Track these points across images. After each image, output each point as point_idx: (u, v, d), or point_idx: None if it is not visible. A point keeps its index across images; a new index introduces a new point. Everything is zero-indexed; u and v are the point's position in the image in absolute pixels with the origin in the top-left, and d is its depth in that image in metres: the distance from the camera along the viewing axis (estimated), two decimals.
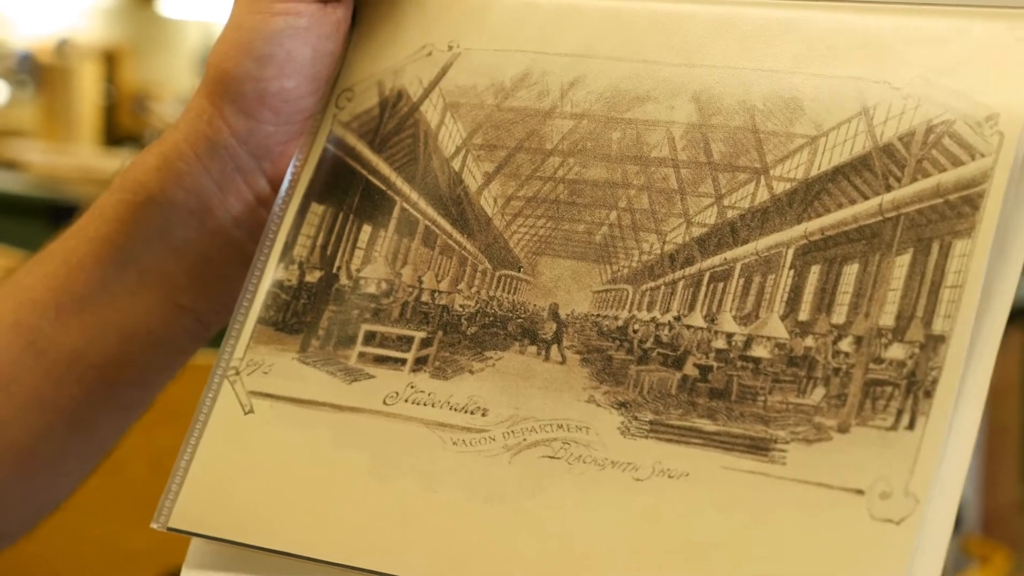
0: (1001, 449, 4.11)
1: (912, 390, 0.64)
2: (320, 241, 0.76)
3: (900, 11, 0.70)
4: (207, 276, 0.80)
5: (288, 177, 0.78)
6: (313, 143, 0.78)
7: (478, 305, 0.73)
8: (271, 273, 0.76)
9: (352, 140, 0.77)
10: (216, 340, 0.79)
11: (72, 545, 1.70)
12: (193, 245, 0.80)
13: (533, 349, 0.71)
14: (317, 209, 0.77)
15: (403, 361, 0.73)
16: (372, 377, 0.72)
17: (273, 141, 0.78)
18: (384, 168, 0.76)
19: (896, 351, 0.65)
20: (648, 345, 0.69)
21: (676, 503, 0.65)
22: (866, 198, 0.67)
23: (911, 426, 0.64)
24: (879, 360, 0.65)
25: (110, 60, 5.44)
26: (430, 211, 0.75)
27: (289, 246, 0.76)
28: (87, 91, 4.98)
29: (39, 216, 3.75)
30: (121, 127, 5.30)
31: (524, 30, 0.76)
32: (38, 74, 5.25)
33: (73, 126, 4.88)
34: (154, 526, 0.73)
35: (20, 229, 3.32)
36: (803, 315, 0.67)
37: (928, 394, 0.64)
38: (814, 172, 0.69)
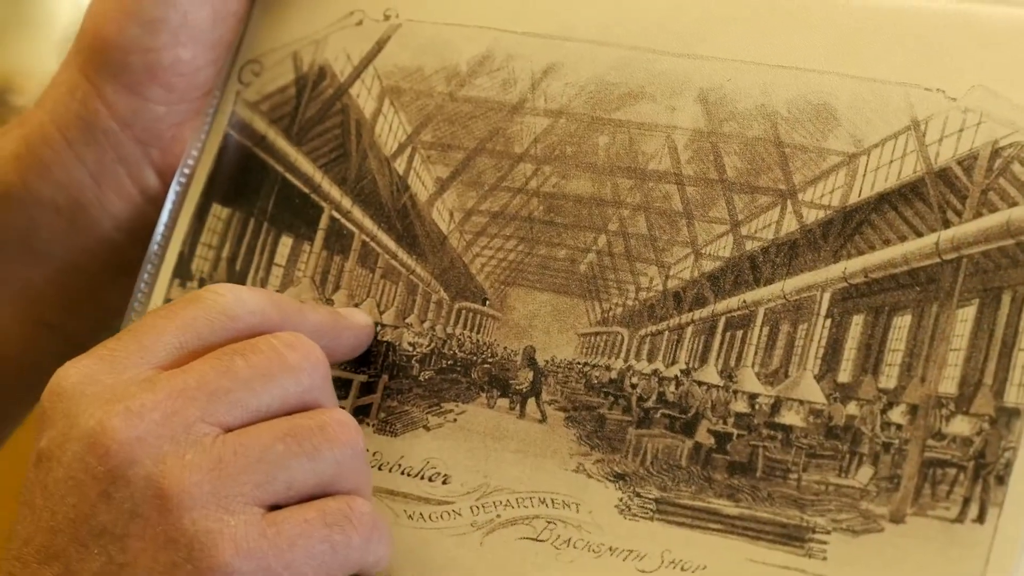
0: None
1: (981, 474, 0.58)
2: (226, 253, 0.69)
3: None
4: (78, 288, 0.72)
5: (182, 169, 0.69)
6: (212, 126, 0.70)
7: (432, 344, 0.66)
8: (163, 291, 0.68)
9: (262, 125, 0.69)
10: None
11: None
12: (61, 250, 0.71)
13: (504, 402, 0.65)
14: (220, 212, 0.69)
15: None
16: None
17: (164, 124, 0.70)
18: (305, 165, 0.69)
19: (960, 425, 0.58)
20: (650, 404, 0.63)
21: None
22: (919, 234, 0.61)
23: (980, 519, 0.57)
24: (939, 435, 0.59)
25: None
26: (368, 223, 0.68)
27: (185, 257, 0.69)
28: None
29: None
30: None
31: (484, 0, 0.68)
32: None
33: None
34: None
35: None
36: (844, 376, 0.61)
37: (1001, 480, 0.57)
38: (853, 199, 0.62)
